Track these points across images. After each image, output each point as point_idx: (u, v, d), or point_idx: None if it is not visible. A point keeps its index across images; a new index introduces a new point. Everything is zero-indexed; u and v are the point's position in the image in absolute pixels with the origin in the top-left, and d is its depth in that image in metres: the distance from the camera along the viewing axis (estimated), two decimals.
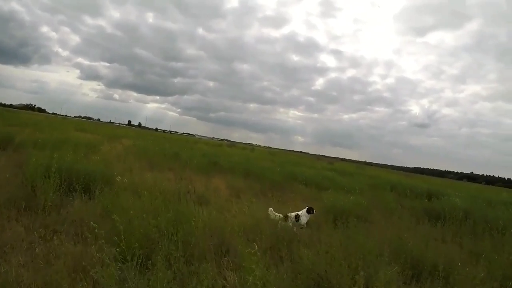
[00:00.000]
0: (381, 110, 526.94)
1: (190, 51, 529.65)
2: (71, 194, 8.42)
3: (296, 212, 8.98)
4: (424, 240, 8.22)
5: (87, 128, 40.59)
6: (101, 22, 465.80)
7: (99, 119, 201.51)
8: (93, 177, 9.03)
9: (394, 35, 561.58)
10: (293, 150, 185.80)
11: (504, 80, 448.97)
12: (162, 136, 61.04)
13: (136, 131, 71.32)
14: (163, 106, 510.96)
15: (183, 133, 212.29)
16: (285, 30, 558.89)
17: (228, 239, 6.54)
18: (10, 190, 7.59)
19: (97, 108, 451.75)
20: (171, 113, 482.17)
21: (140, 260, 4.87)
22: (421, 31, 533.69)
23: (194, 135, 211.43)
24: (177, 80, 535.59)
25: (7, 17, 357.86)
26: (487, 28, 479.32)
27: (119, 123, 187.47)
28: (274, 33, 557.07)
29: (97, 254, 4.79)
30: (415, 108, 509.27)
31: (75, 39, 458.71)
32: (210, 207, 9.32)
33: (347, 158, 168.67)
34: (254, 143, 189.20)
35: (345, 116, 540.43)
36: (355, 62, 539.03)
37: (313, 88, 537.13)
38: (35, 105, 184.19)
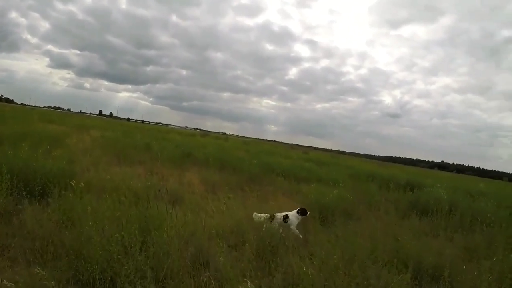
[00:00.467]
0: (354, 100, 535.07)
1: (163, 38, 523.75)
2: (27, 198, 7.22)
3: (285, 213, 8.16)
4: (416, 236, 7.93)
5: (55, 119, 38.44)
6: (72, 7, 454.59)
7: (70, 109, 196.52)
8: (51, 177, 7.72)
9: (368, 27, 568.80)
10: (266, 139, 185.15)
11: (475, 74, 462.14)
12: (133, 126, 59.27)
13: (107, 121, 69.20)
14: (135, 95, 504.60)
15: (156, 122, 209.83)
16: (260, 19, 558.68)
17: (207, 248, 5.69)
18: None
19: (68, 97, 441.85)
20: (143, 102, 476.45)
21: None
22: (395, 24, 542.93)
23: (167, 124, 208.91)
24: (149, 68, 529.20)
25: None
26: (460, 24, 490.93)
27: (90, 113, 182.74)
28: (249, 21, 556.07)
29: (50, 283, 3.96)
30: (387, 99, 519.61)
31: (44, 25, 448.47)
32: (184, 206, 8.53)
33: (320, 147, 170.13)
34: (228, 133, 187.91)
35: (318, 106, 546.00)
36: (329, 53, 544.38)
37: (286, 77, 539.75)
38: (2, 96, 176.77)
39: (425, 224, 9.77)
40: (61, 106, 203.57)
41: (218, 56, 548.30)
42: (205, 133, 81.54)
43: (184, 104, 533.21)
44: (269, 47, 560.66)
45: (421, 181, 19.58)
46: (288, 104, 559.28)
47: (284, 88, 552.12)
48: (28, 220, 5.96)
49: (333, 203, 9.85)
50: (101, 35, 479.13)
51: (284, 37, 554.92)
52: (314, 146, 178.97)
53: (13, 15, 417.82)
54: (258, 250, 6.05)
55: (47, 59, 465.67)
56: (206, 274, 4.73)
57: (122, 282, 4.23)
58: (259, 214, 7.99)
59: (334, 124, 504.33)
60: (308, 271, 4.82)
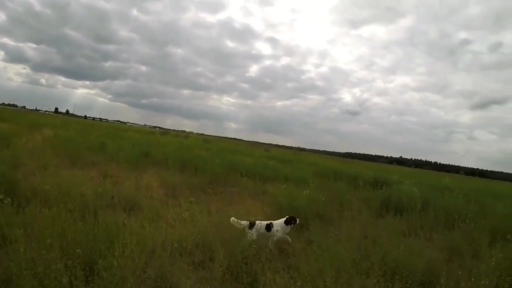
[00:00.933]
0: (314, 98, 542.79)
1: (123, 33, 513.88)
2: None
3: (270, 221, 7.22)
4: (395, 237, 7.47)
5: (6, 117, 36.07)
6: None
7: (24, 107, 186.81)
8: None
9: (330, 26, 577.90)
10: (226, 137, 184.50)
11: (432, 73, 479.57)
12: (90, 124, 56.61)
13: (62, 119, 65.86)
14: (93, 91, 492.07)
15: (114, 120, 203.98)
16: (222, 15, 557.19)
17: (170, 269, 4.85)
18: None
19: (23, 94, 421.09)
20: (101, 99, 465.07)
21: None
22: (356, 24, 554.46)
23: (125, 122, 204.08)
24: (108, 64, 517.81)
25: None
26: (419, 25, 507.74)
27: (46, 111, 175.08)
28: (211, 18, 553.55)
29: None
30: (347, 97, 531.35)
31: (0, 16, 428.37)
32: (141, 215, 7.58)
33: (280, 144, 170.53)
34: (187, 130, 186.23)
35: (279, 103, 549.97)
36: (290, 51, 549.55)
37: (247, 75, 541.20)
38: None
39: (400, 223, 9.32)
40: (15, 103, 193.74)
41: (178, 52, 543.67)
42: (164, 131, 79.87)
43: (144, 101, 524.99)
44: (230, 44, 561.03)
45: (387, 178, 19.29)
46: (249, 102, 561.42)
47: (245, 85, 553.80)
48: None
49: (305, 206, 9.14)
50: (58, 28, 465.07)
51: (245, 34, 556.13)
52: (274, 143, 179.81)
53: None
54: (229, 266, 5.25)
55: (2, 53, 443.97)
56: None
57: None
58: (238, 221, 7.04)
59: (294, 121, 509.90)
60: None
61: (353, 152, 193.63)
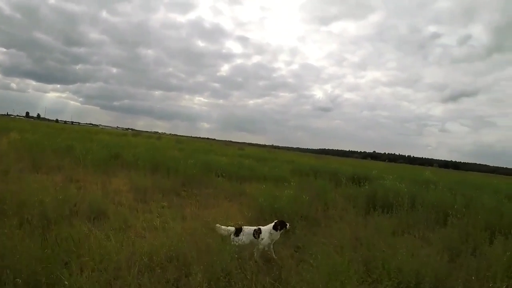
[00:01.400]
0: (285, 95, 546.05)
1: (93, 35, 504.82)
2: None
3: (258, 226, 6.43)
4: (389, 237, 7.17)
5: None
6: None
7: None
8: None
9: (300, 23, 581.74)
10: (199, 137, 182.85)
11: (403, 68, 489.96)
12: (60, 128, 54.51)
13: (32, 123, 63.10)
14: (64, 95, 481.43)
15: (86, 123, 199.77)
16: (192, 15, 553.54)
17: None
18: None
19: None
20: (72, 102, 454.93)
21: None
22: (325, 21, 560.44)
23: (97, 125, 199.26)
24: (79, 67, 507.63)
25: None
26: (389, 20, 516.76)
27: (17, 115, 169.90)
28: (180, 18, 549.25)
29: None
30: (318, 93, 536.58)
31: None
32: (108, 223, 6.75)
33: (253, 142, 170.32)
34: (160, 131, 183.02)
35: (250, 102, 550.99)
36: (260, 49, 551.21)
37: (218, 74, 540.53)
38: None
39: (390, 222, 8.79)
40: None
41: (149, 53, 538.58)
42: (137, 133, 78.32)
43: (115, 103, 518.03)
44: (201, 43, 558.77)
45: (367, 173, 18.80)
46: (221, 101, 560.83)
47: (216, 84, 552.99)
48: None
49: (287, 207, 8.49)
50: (28, 32, 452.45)
51: (215, 33, 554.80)
52: (247, 142, 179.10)
53: None
54: (209, 285, 4.49)
55: None
56: None
57: None
58: (223, 227, 6.28)
59: (267, 120, 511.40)
60: None
61: (326, 148, 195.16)
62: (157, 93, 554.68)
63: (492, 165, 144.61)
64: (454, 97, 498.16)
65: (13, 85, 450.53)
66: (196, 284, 4.39)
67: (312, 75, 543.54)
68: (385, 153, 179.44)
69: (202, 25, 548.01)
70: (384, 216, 9.24)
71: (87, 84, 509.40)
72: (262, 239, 6.16)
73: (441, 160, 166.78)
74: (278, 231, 6.35)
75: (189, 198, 10.18)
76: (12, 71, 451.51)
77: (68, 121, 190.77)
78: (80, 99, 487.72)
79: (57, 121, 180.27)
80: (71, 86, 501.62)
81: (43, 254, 4.22)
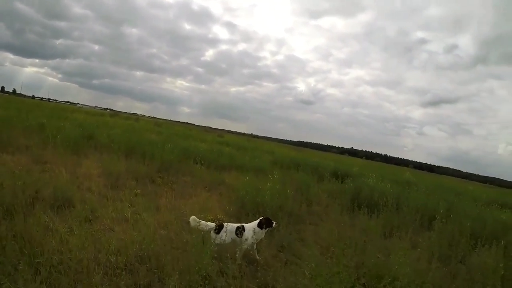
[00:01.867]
0: (268, 85, 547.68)
1: (76, 9, 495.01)
2: None
3: (241, 224, 5.79)
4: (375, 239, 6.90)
5: None
6: None
7: None
8: None
9: (289, 15, 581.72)
10: (179, 121, 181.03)
11: (387, 69, 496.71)
12: (35, 104, 52.32)
13: (6, 99, 60.76)
14: (42, 70, 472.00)
15: (64, 101, 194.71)
16: None
17: None
18: None
19: None
20: (51, 78, 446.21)
21: None
22: (315, 14, 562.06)
23: (75, 103, 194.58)
24: (59, 41, 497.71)
25: None
26: (378, 21, 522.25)
27: None
28: None
29: None
30: (301, 86, 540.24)
31: None
32: (74, 213, 6.02)
33: (233, 130, 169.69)
34: (139, 113, 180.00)
35: (233, 89, 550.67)
36: (247, 36, 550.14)
37: (202, 58, 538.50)
38: None
39: (377, 222, 8.40)
40: None
41: (133, 32, 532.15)
42: (114, 113, 76.68)
43: (95, 81, 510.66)
44: (187, 26, 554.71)
45: (348, 170, 18.43)
46: (203, 86, 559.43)
47: (200, 69, 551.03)
48: None
49: (271, 201, 7.90)
50: (8, 2, 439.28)
51: (203, 17, 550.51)
52: (227, 129, 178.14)
53: None
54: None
55: None
56: None
57: None
58: (202, 222, 5.54)
59: (248, 108, 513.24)
60: None
61: (305, 141, 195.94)
62: (139, 73, 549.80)
63: (465, 171, 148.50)
64: (434, 103, 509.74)
65: None
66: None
67: (297, 68, 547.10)
68: (362, 150, 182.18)
69: (190, 7, 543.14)
70: (370, 216, 8.88)
71: (67, 60, 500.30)
72: (246, 238, 5.53)
73: (416, 161, 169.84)
74: (263, 229, 5.74)
75: (164, 185, 9.55)
76: None
77: (45, 98, 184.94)
78: (59, 76, 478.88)
79: (33, 97, 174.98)
80: (50, 62, 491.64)
81: None
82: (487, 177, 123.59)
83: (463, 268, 6.10)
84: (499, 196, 21.25)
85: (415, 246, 7.07)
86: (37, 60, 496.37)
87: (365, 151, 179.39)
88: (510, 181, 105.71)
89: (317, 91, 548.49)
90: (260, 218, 5.89)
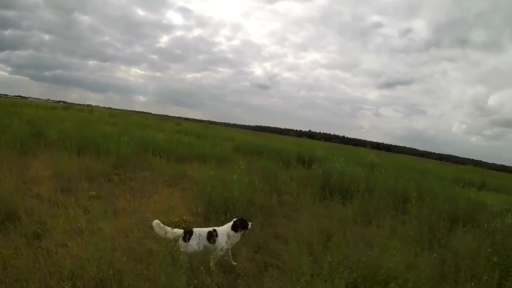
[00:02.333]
0: (224, 71, 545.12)
1: None
2: None
3: (213, 228, 5.13)
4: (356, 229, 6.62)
5: None
6: None
7: None
8: None
9: None
10: (134, 111, 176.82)
11: (343, 52, 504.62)
12: None
13: None
14: None
15: (14, 96, 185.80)
16: None
17: None
18: None
19: None
20: (0, 72, 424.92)
21: None
22: None
23: (26, 97, 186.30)
24: (8, 32, 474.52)
25: None
26: (334, 5, 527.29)
27: None
28: None
29: None
30: (257, 70, 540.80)
31: None
32: (19, 227, 5.21)
33: (190, 117, 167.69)
34: (93, 104, 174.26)
35: (189, 76, 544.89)
36: (202, 22, 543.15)
37: (157, 45, 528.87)
38: None
39: (352, 210, 8.11)
40: None
41: (85, 19, 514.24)
42: (67, 106, 73.70)
43: (47, 73, 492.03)
44: (141, 12, 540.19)
45: (312, 154, 18.00)
46: (158, 74, 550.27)
47: (154, 56, 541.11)
48: None
49: (241, 196, 7.29)
50: None
51: (157, 2, 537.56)
52: (184, 116, 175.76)
53: None
54: None
55: None
56: None
57: None
58: (168, 228, 4.83)
59: (204, 94, 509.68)
60: None
61: (263, 125, 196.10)
62: (92, 63, 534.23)
63: (421, 149, 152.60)
64: (389, 84, 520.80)
65: None
66: None
67: (253, 52, 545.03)
68: (320, 132, 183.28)
69: None
70: (343, 203, 8.65)
71: (17, 52, 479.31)
72: (222, 248, 4.95)
73: (373, 142, 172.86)
74: (239, 232, 5.17)
75: (122, 184, 8.89)
76: None
77: None
78: (9, 69, 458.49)
79: None
80: None
81: None
82: (442, 154, 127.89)
83: (447, 254, 5.77)
84: (460, 173, 21.74)
85: (395, 233, 6.89)
86: None
87: (323, 133, 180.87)
88: (463, 158, 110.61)
89: (273, 75, 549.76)
90: (234, 219, 5.29)
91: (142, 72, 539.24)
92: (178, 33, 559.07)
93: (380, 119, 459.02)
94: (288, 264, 4.61)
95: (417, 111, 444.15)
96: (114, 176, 9.57)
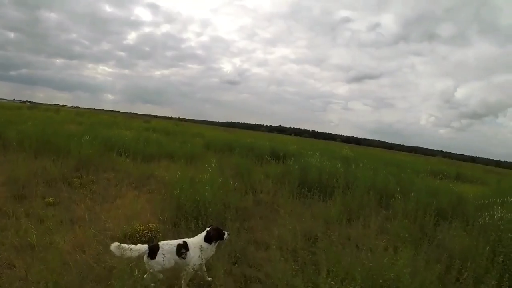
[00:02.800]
0: (193, 67, 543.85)
1: None
2: None
3: (183, 240, 4.39)
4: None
5: None
6: None
7: None
8: None
9: None
10: (103, 109, 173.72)
11: (312, 47, 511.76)
12: None
13: None
14: None
15: None
16: None
17: None
18: None
19: None
20: None
21: None
22: None
23: None
24: None
25: None
26: (303, 0, 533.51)
27: None
28: None
29: None
30: (227, 66, 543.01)
31: None
32: None
33: (159, 115, 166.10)
34: (61, 104, 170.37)
35: (157, 73, 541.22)
36: (170, 18, 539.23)
37: (125, 42, 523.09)
38: None
39: (335, 209, 7.62)
40: None
41: (51, 16, 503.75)
42: (34, 106, 71.30)
43: (12, 73, 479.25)
44: (108, 9, 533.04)
45: (286, 149, 17.62)
46: (126, 71, 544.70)
47: (122, 53, 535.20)
48: None
49: (213, 198, 6.56)
50: None
51: None
52: (153, 114, 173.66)
53: None
54: None
55: None
56: None
57: None
58: (131, 247, 4.05)
59: (173, 91, 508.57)
60: None
61: (233, 121, 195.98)
62: (59, 61, 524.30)
63: (390, 142, 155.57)
64: (358, 78, 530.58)
65: None
66: None
67: (222, 48, 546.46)
68: (290, 127, 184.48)
69: None
70: (323, 200, 8.33)
71: None
72: (194, 264, 4.26)
73: (343, 135, 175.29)
74: (213, 244, 4.47)
75: (83, 188, 8.14)
76: None
77: None
78: None
79: None
80: None
81: None
82: (411, 146, 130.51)
83: (442, 253, 5.26)
84: (435, 166, 21.82)
85: (382, 231, 6.64)
86: None
87: (293, 128, 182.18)
88: (432, 149, 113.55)
89: (243, 71, 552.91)
90: (207, 229, 4.57)
91: (110, 70, 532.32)
92: (146, 29, 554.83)
93: (349, 113, 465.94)
94: (272, 277, 4.11)
95: (386, 104, 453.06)
96: (75, 179, 8.75)
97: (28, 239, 4.85)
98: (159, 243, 4.24)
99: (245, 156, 13.18)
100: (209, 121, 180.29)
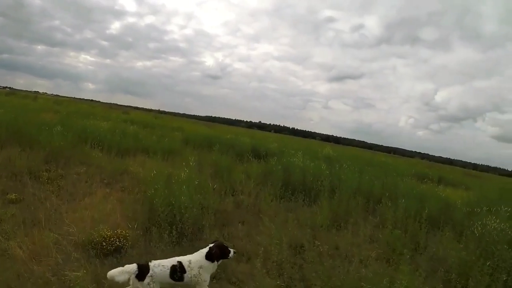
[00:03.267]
0: (175, 60, 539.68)
1: None
2: None
3: (177, 260, 3.75)
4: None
5: None
6: None
7: None
8: None
9: None
10: (83, 99, 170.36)
11: (295, 45, 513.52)
12: None
13: None
14: None
15: None
16: None
17: None
18: None
19: None
20: None
21: None
22: None
23: None
24: None
25: None
26: None
27: None
28: None
29: None
30: (209, 60, 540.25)
31: None
32: None
33: (139, 106, 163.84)
34: (41, 91, 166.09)
35: (139, 64, 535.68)
36: (155, 9, 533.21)
37: (108, 31, 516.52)
38: None
39: (322, 214, 7.19)
40: None
41: (35, 1, 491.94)
42: (12, 92, 69.19)
43: None
44: None
45: (268, 147, 17.02)
46: (108, 61, 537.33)
47: (105, 43, 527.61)
48: None
49: (190, 201, 5.92)
50: None
51: None
52: (133, 105, 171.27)
53: None
54: None
55: None
56: None
57: None
58: (118, 270, 3.46)
59: (154, 83, 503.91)
60: None
61: (213, 115, 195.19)
62: (40, 48, 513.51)
63: (369, 142, 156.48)
64: (339, 78, 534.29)
65: None
66: None
67: (205, 42, 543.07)
68: (270, 123, 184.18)
69: None
70: (307, 204, 8.11)
71: None
72: (195, 273, 3.67)
73: (323, 134, 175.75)
74: (216, 262, 3.90)
75: (51, 183, 7.52)
76: None
77: None
78: None
79: None
80: None
81: None
82: (390, 147, 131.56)
83: (437, 265, 5.10)
84: (417, 168, 21.76)
85: (373, 241, 6.29)
86: None
87: (274, 124, 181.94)
88: (410, 151, 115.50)
89: (225, 66, 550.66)
90: (210, 245, 3.99)
91: (91, 59, 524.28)
92: (130, 19, 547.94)
93: (329, 112, 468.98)
94: None
95: (366, 105, 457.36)
96: (43, 173, 8.08)
97: None
98: (149, 263, 3.61)
99: (225, 153, 12.67)
100: (189, 115, 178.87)
